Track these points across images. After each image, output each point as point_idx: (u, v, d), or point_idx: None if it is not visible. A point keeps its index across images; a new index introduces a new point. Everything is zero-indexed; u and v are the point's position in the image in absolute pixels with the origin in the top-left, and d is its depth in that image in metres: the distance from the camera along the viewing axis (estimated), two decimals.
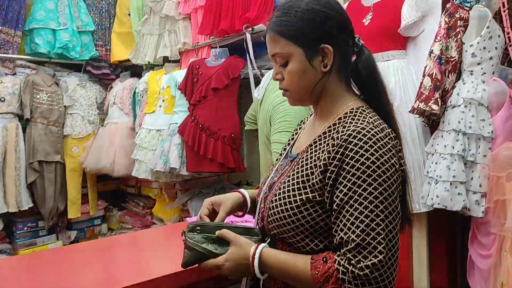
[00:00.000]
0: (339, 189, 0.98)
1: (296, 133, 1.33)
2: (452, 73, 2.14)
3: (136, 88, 3.54)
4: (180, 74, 3.06)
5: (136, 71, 3.83)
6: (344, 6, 2.60)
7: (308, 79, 1.08)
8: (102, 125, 3.80)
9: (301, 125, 1.35)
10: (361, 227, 0.93)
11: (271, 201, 1.09)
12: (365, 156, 0.97)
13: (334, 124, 1.07)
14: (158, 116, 3.17)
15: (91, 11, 3.82)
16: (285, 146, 1.33)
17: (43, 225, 3.60)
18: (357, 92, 1.16)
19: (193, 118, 2.84)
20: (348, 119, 1.05)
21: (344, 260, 0.95)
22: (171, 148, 2.90)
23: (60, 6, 3.63)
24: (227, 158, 2.74)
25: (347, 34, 1.10)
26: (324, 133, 1.08)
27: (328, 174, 1.00)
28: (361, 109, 1.08)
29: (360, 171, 0.96)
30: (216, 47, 2.95)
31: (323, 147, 1.05)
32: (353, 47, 1.11)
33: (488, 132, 2.03)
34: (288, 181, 1.08)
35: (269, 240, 1.13)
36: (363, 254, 0.93)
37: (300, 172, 1.07)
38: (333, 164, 0.99)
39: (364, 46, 1.12)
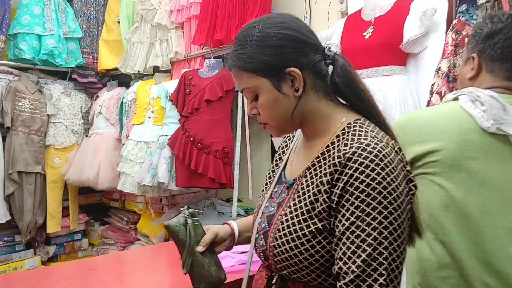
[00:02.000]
0: (342, 213, 0.89)
1: (281, 155, 1.22)
2: None
3: (123, 98, 3.41)
4: (171, 85, 2.95)
5: (124, 80, 3.71)
6: (342, 20, 2.53)
7: (282, 108, 0.99)
8: (87, 136, 3.65)
9: (287, 143, 1.23)
10: (362, 257, 0.85)
11: (275, 238, 0.99)
12: (371, 176, 0.87)
13: (333, 143, 0.98)
14: (146, 128, 3.04)
15: (78, 17, 3.69)
16: (272, 169, 1.22)
17: (20, 240, 3.41)
18: (344, 103, 1.07)
19: (184, 130, 2.73)
20: (349, 135, 0.95)
21: None
22: (160, 161, 2.77)
23: (47, 11, 3.49)
24: (218, 174, 2.63)
25: (312, 49, 1.00)
26: (323, 153, 0.99)
27: (332, 197, 0.91)
28: (359, 123, 0.98)
29: (364, 194, 0.87)
30: (209, 58, 2.85)
31: (324, 169, 0.95)
32: (325, 60, 1.01)
33: None
34: (291, 212, 0.98)
35: (277, 277, 1.03)
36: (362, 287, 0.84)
37: (302, 200, 0.97)
38: (336, 186, 0.90)
39: (337, 55, 1.03)
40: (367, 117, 1.02)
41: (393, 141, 0.97)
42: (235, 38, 1.04)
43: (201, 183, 2.68)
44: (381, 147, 0.90)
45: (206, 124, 2.69)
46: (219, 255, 1.66)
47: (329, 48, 1.03)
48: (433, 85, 2.07)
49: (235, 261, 1.62)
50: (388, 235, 0.85)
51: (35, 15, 3.42)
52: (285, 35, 0.97)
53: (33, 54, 3.36)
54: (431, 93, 2.07)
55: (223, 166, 2.65)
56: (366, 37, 2.35)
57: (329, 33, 2.57)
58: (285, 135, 1.25)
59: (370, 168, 0.87)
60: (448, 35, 2.11)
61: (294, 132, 1.22)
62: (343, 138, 0.96)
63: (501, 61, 1.32)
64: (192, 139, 2.68)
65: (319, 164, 0.98)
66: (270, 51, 0.97)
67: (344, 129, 0.98)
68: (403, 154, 0.96)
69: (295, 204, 0.98)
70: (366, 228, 0.86)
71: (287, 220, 0.97)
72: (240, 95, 2.64)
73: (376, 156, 0.88)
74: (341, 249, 0.88)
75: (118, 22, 3.59)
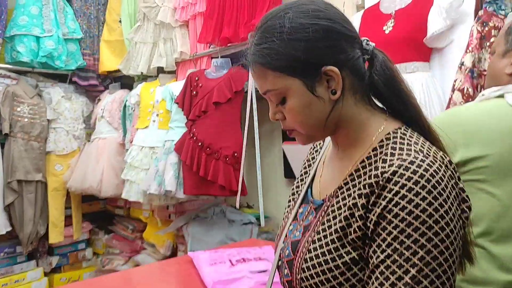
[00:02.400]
0: (377, 243, 0.75)
1: (307, 168, 1.06)
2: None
3: (126, 100, 3.25)
4: (176, 86, 2.78)
5: (127, 82, 3.55)
6: (359, 14, 2.37)
7: (316, 113, 0.84)
8: (89, 141, 3.49)
9: (313, 154, 1.07)
10: None
11: (302, 269, 0.84)
12: (414, 202, 0.72)
13: (369, 158, 0.83)
14: (151, 132, 2.88)
15: (78, 17, 3.53)
16: (297, 184, 1.06)
17: (22, 251, 3.26)
18: (381, 106, 0.91)
19: (191, 135, 2.56)
20: (388, 149, 0.80)
21: None
22: (166, 167, 2.61)
23: (45, 11, 3.33)
24: (229, 180, 2.47)
25: (351, 43, 0.84)
26: (357, 170, 0.84)
27: (367, 224, 0.77)
28: (400, 133, 0.83)
29: (404, 223, 0.72)
30: (217, 57, 2.68)
31: (359, 189, 0.80)
32: (363, 55, 0.86)
33: None
34: (319, 239, 0.83)
35: None
36: None
37: (333, 225, 0.82)
38: (372, 211, 0.76)
39: (376, 49, 0.87)
40: (409, 124, 0.86)
41: (442, 153, 0.81)
42: (256, 28, 0.87)
43: (211, 191, 2.52)
44: (427, 165, 0.75)
45: (214, 128, 2.53)
46: (235, 275, 1.51)
47: (367, 41, 0.87)
48: (455, 81, 1.91)
49: (254, 282, 1.47)
50: (430, 273, 0.70)
51: (33, 16, 3.26)
52: (322, 26, 0.81)
53: (31, 56, 3.20)
54: (453, 90, 1.91)
55: (234, 172, 2.48)
56: (386, 32, 2.18)
57: None
58: (313, 145, 1.09)
59: (414, 191, 0.72)
60: (473, 27, 1.95)
61: (322, 142, 1.06)
62: (381, 153, 0.81)
63: None
64: (200, 144, 2.52)
65: (353, 183, 0.83)
66: (304, 45, 0.80)
67: (382, 140, 0.84)
68: (454, 168, 0.80)
69: (324, 230, 0.84)
70: (404, 264, 0.71)
71: (315, 249, 0.83)
72: (249, 96, 2.47)
73: (421, 176, 0.73)
74: (373, 283, 0.75)
75: (120, 21, 3.43)
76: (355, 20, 2.36)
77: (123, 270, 1.95)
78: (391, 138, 0.82)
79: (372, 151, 0.83)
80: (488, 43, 1.88)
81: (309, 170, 1.04)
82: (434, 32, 2.04)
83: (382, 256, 0.74)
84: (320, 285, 0.80)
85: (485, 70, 1.86)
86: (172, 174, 2.58)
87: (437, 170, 0.75)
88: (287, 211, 1.04)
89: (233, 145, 2.51)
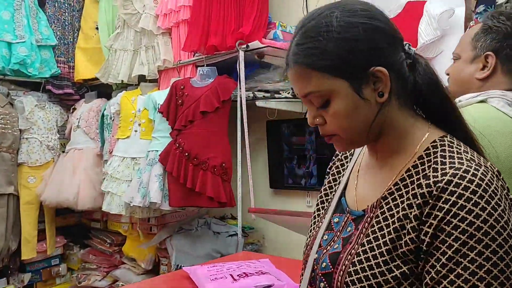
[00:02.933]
0: (436, 257, 0.71)
1: (336, 175, 1.02)
2: None
3: (104, 110, 3.14)
4: (159, 95, 2.71)
5: (104, 91, 3.43)
6: None
7: (361, 117, 0.80)
8: (63, 152, 3.35)
9: (342, 161, 1.03)
10: None
11: (346, 283, 0.79)
12: (474, 212, 0.69)
13: (415, 166, 0.79)
14: (133, 142, 2.78)
15: (52, 23, 3.39)
16: (325, 192, 1.02)
17: None
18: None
19: (177, 145, 2.49)
20: (437, 158, 0.77)
21: None
22: (151, 179, 2.52)
23: (17, 16, 3.19)
24: (217, 192, 2.41)
25: (397, 44, 0.81)
26: (403, 179, 0.80)
27: (421, 237, 0.73)
28: (447, 141, 0.80)
29: (466, 235, 0.69)
30: (202, 65, 2.63)
31: (407, 199, 0.77)
32: (406, 59, 0.82)
33: None
34: (365, 251, 0.78)
35: None
36: None
37: (380, 237, 0.78)
38: (427, 223, 0.72)
39: (417, 53, 0.84)
40: (453, 133, 0.83)
41: (489, 162, 0.78)
42: (296, 29, 0.83)
43: (199, 202, 2.45)
44: (482, 174, 0.72)
45: (201, 138, 2.47)
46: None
47: (409, 45, 0.84)
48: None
49: None
50: (498, 287, 0.67)
51: (4, 21, 3.12)
52: (371, 25, 0.78)
53: (2, 63, 3.05)
54: None
55: (222, 183, 2.42)
56: None
57: None
58: (339, 153, 1.04)
59: (473, 201, 0.69)
60: None
61: (348, 155, 1.02)
62: (429, 161, 0.78)
63: None
64: (186, 154, 2.45)
65: (399, 192, 0.79)
66: (354, 45, 0.77)
67: (428, 148, 0.80)
68: (503, 178, 0.77)
69: (369, 242, 0.79)
70: (470, 278, 0.68)
71: (361, 262, 0.78)
72: (239, 105, 2.42)
73: (478, 185, 0.70)
74: None
75: (97, 28, 3.33)
76: None
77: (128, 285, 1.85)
78: (438, 146, 0.79)
79: (418, 159, 0.80)
80: None
81: (339, 178, 1.00)
82: (424, 42, 2.07)
83: (444, 271, 0.70)
84: None
85: None
86: (157, 186, 2.49)
87: (491, 179, 0.72)
88: (317, 220, 0.99)
89: (221, 155, 2.45)
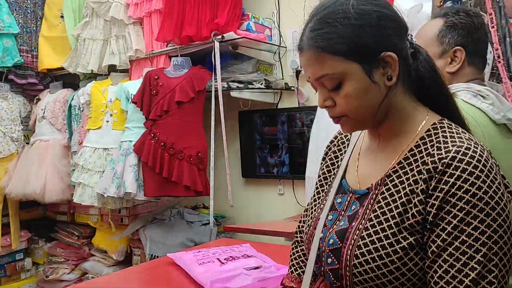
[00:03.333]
0: (441, 227, 0.78)
1: (334, 159, 1.08)
2: None
3: (72, 100, 3.08)
4: (132, 85, 2.69)
5: (70, 81, 3.36)
6: None
7: (371, 99, 0.86)
8: (28, 143, 3.26)
9: (339, 146, 1.08)
10: (471, 276, 0.75)
11: (355, 255, 0.85)
12: (477, 185, 0.77)
13: (417, 146, 0.87)
14: (105, 133, 2.76)
15: (14, 10, 3.27)
16: (324, 176, 1.08)
17: None
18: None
19: (152, 135, 2.50)
20: (438, 138, 0.84)
21: None
22: (125, 169, 2.52)
23: None
24: (194, 181, 2.44)
25: (404, 32, 0.88)
26: (406, 158, 0.87)
27: (428, 209, 0.80)
28: (446, 124, 0.88)
29: (470, 205, 0.76)
30: (176, 56, 2.64)
31: (413, 175, 0.84)
32: (410, 48, 0.89)
33: None
34: (373, 225, 0.85)
35: None
36: None
37: (387, 212, 0.84)
38: (433, 196, 0.79)
39: (417, 44, 0.91)
40: (449, 117, 0.91)
41: (481, 143, 0.87)
42: (311, 16, 0.88)
43: (175, 192, 2.47)
44: (480, 151, 0.80)
45: (177, 128, 2.48)
46: (231, 273, 1.50)
47: (412, 35, 0.90)
48: None
49: (252, 278, 1.47)
50: (498, 251, 0.76)
51: None
52: (384, 14, 0.84)
53: None
54: None
55: (198, 172, 2.46)
56: None
57: None
58: (334, 138, 1.11)
59: (475, 175, 0.77)
60: None
61: (349, 135, 1.08)
62: (431, 141, 0.85)
63: (479, 55, 1.37)
64: (162, 144, 2.46)
65: (403, 170, 0.86)
66: (369, 31, 0.83)
67: (429, 130, 0.87)
68: (493, 157, 0.86)
69: (377, 217, 0.85)
70: (474, 243, 0.75)
71: (369, 235, 0.84)
72: (213, 95, 2.45)
73: (478, 161, 0.78)
74: (441, 267, 0.78)
75: (62, 16, 3.25)
76: None
77: (102, 276, 1.82)
78: (438, 128, 0.86)
79: (420, 140, 0.87)
80: None
81: (337, 162, 1.06)
82: None
83: (449, 239, 0.77)
84: (376, 270, 0.81)
85: None
86: (132, 176, 2.49)
87: (488, 157, 0.80)
88: (318, 202, 1.04)
89: (196, 145, 2.48)
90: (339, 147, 1.08)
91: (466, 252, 0.76)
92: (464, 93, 1.29)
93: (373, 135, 0.97)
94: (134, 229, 2.80)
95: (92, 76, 3.11)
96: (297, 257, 1.16)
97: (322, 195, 1.05)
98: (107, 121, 2.77)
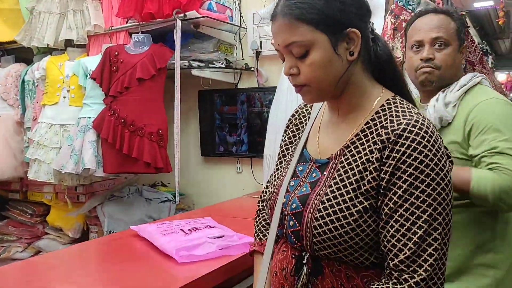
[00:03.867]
0: (393, 191, 0.87)
1: (296, 131, 1.15)
2: None
3: (25, 75, 3.00)
4: (90, 61, 2.66)
5: (22, 55, 3.26)
6: None
7: (333, 70, 0.92)
8: None
9: (301, 120, 1.16)
10: (418, 233, 0.84)
11: (316, 218, 0.92)
12: (424, 153, 0.86)
13: (373, 119, 0.95)
14: (62, 109, 2.71)
15: None
16: (286, 147, 1.15)
17: None
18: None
19: (112, 111, 2.49)
20: (391, 112, 0.93)
21: (392, 282, 0.86)
22: (84, 146, 2.50)
23: None
24: (154, 157, 2.46)
25: (368, 16, 0.96)
26: (363, 130, 0.95)
27: (381, 175, 0.88)
28: (398, 100, 0.96)
29: (418, 171, 0.85)
30: (137, 32, 2.63)
31: (368, 146, 0.92)
32: (370, 32, 0.97)
33: None
34: (333, 191, 0.93)
35: (307, 256, 0.97)
36: (413, 268, 0.84)
37: (345, 179, 0.92)
38: (387, 164, 0.88)
39: (376, 32, 1.00)
40: (400, 95, 1.00)
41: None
42: None
43: (135, 168, 2.49)
44: (427, 124, 0.89)
45: (138, 105, 2.49)
46: (196, 241, 1.56)
47: (373, 23, 0.99)
48: None
49: (215, 246, 1.54)
50: (442, 211, 0.86)
51: None
52: None
53: None
54: None
55: (159, 149, 2.48)
56: None
57: (269, 11, 2.51)
58: (295, 112, 1.19)
59: (422, 144, 0.86)
60: (387, 19, 2.22)
61: (309, 108, 1.16)
62: (385, 115, 0.93)
63: None
64: (122, 121, 2.46)
65: (360, 141, 0.95)
66: (339, 6, 0.90)
67: (383, 105, 0.96)
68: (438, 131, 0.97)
69: (336, 183, 0.93)
70: (421, 205, 0.85)
71: (329, 200, 0.92)
72: (178, 73, 2.47)
73: (426, 132, 0.87)
74: (392, 226, 0.87)
75: None
76: None
77: (66, 248, 1.81)
78: (392, 103, 0.95)
79: (375, 114, 0.95)
80: (400, 34, 2.16)
81: (298, 134, 1.13)
82: None
83: (400, 201, 0.86)
84: (334, 230, 0.89)
85: (397, 57, 2.14)
86: (91, 152, 2.48)
87: (433, 129, 0.89)
88: (279, 171, 1.11)
89: (157, 122, 2.50)
90: (300, 120, 1.15)
91: (414, 213, 0.85)
92: (486, 81, 1.46)
93: (332, 109, 1.04)
94: (92, 206, 2.79)
95: (47, 51, 3.02)
96: (258, 224, 1.24)
97: (284, 164, 1.11)
98: (64, 97, 2.72)
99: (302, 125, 1.15)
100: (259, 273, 1.09)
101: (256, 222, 1.26)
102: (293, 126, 1.17)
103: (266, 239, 1.12)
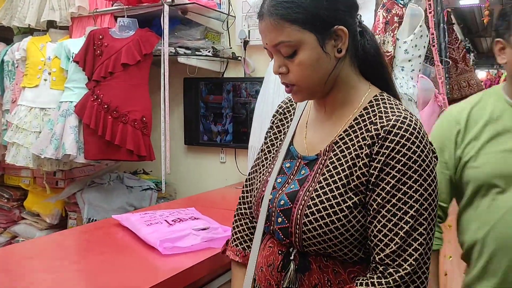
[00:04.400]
0: (381, 187, 0.88)
1: (281, 127, 1.13)
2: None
3: (4, 55, 2.90)
4: (73, 44, 2.58)
5: (1, 35, 3.15)
6: None
7: (322, 68, 0.92)
8: None
9: (286, 115, 1.13)
10: (405, 228, 0.85)
11: (305, 214, 0.91)
12: (412, 149, 0.87)
13: (361, 115, 0.95)
14: (42, 92, 2.64)
15: None
16: (271, 142, 1.12)
17: None
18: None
19: (95, 96, 2.43)
20: (380, 108, 0.93)
21: (376, 276, 0.87)
22: (65, 131, 2.44)
23: None
24: (138, 145, 2.42)
25: (355, 11, 0.96)
26: (351, 126, 0.95)
27: (371, 171, 0.89)
28: (386, 96, 0.97)
29: (406, 167, 0.86)
30: (122, 16, 2.56)
31: (357, 141, 0.92)
32: (358, 26, 0.97)
33: None
34: (322, 187, 0.92)
35: (295, 252, 0.96)
36: (398, 262, 0.85)
37: (335, 175, 0.92)
38: (375, 160, 0.88)
39: (364, 24, 0.99)
40: (387, 91, 1.00)
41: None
42: None
43: (117, 156, 2.44)
44: (415, 121, 0.90)
45: (122, 91, 2.43)
46: (180, 233, 1.54)
47: (360, 15, 0.98)
48: None
49: (200, 238, 1.52)
50: (428, 206, 0.87)
51: None
52: None
53: None
54: None
55: (142, 136, 2.44)
56: None
57: (258, 0, 2.49)
58: (279, 107, 1.16)
59: (411, 141, 0.87)
60: (379, 13, 2.21)
61: (294, 103, 1.13)
62: (373, 111, 0.94)
63: None
64: (106, 106, 2.40)
65: (349, 137, 0.94)
66: (325, 4, 0.89)
67: (371, 101, 0.96)
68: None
69: (326, 179, 0.93)
70: (408, 200, 0.86)
71: (319, 196, 0.91)
72: (166, 60, 2.42)
73: (414, 129, 0.88)
74: (379, 221, 0.87)
75: None
76: None
77: (45, 236, 1.75)
78: (379, 100, 0.96)
79: (364, 110, 0.95)
80: (391, 28, 2.15)
81: (283, 130, 1.11)
82: None
83: (388, 197, 0.87)
84: (324, 226, 0.89)
85: (387, 52, 2.14)
86: (73, 138, 2.42)
87: (420, 126, 0.91)
88: (266, 167, 1.09)
89: (141, 109, 2.45)
90: (285, 115, 1.14)
91: (401, 208, 0.86)
92: None
93: (319, 105, 1.03)
94: (71, 192, 2.74)
95: (28, 31, 2.94)
96: (241, 230, 1.18)
97: (270, 160, 1.10)
98: (45, 80, 2.64)
99: (287, 120, 1.13)
100: (244, 281, 1.06)
101: (237, 227, 1.18)
102: (278, 121, 1.15)
103: (248, 249, 1.12)
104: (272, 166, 1.06)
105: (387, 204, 0.87)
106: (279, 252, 0.99)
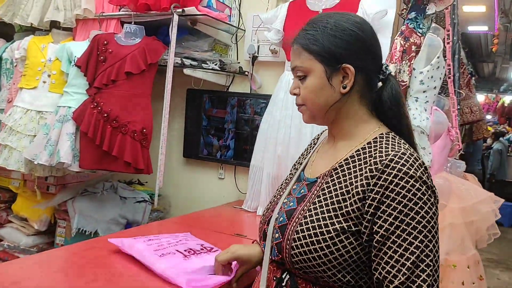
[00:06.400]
0: (381, 221, 0.92)
1: (305, 155, 1.28)
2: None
3: (3, 53, 2.80)
4: (76, 46, 2.49)
5: (1, 30, 3.05)
6: (286, 5, 2.41)
7: (324, 97, 1.06)
8: None
9: (312, 146, 1.29)
10: (407, 265, 0.89)
11: (296, 231, 1.00)
12: (410, 183, 0.92)
13: (363, 148, 1.03)
14: (40, 94, 2.54)
15: None
16: (295, 167, 1.27)
17: None
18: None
19: (95, 104, 2.33)
20: (382, 144, 1.00)
21: None
22: (61, 137, 2.34)
23: None
24: (135, 158, 2.32)
25: (374, 59, 1.07)
26: (352, 156, 1.04)
27: (368, 202, 0.94)
28: (392, 135, 1.04)
29: (406, 199, 0.91)
30: (129, 23, 2.47)
31: (354, 171, 1.00)
32: (379, 74, 1.08)
33: (428, 161, 2.05)
34: (315, 208, 1.01)
35: (287, 278, 1.05)
36: None
37: (328, 198, 1.01)
38: (374, 191, 0.94)
39: (391, 75, 1.09)
40: (399, 136, 1.07)
41: (418, 154, 1.01)
42: (310, 20, 1.09)
43: (114, 167, 2.34)
44: (415, 157, 0.95)
45: (123, 100, 2.34)
46: (202, 271, 1.43)
47: (387, 66, 1.08)
48: None
49: (223, 278, 1.40)
50: (432, 238, 0.91)
51: None
52: (356, 34, 1.03)
53: None
54: None
55: (141, 149, 2.34)
56: None
57: (270, 17, 2.42)
58: (312, 140, 1.31)
59: (409, 174, 0.92)
60: (397, 40, 2.14)
61: (320, 135, 1.28)
62: (375, 146, 1.01)
63: None
64: (105, 115, 2.31)
65: (348, 166, 1.03)
66: (337, 42, 1.02)
67: (376, 138, 1.04)
68: (425, 166, 0.99)
69: (320, 201, 1.01)
70: (412, 231, 0.90)
71: (310, 216, 1.00)
72: (170, 70, 2.33)
73: (412, 165, 0.93)
74: (385, 253, 0.91)
75: None
76: (281, 10, 2.40)
77: (30, 256, 1.61)
78: (384, 137, 1.03)
79: (367, 144, 1.03)
80: (408, 57, 2.08)
81: (304, 159, 1.25)
82: None
83: (387, 233, 0.91)
84: (310, 244, 0.96)
85: (403, 81, 2.07)
86: (69, 145, 2.32)
87: (421, 163, 0.96)
88: (281, 189, 1.21)
89: (142, 120, 2.36)
90: (311, 146, 1.30)
91: (406, 239, 0.90)
92: None
93: (330, 135, 1.16)
94: (62, 200, 2.63)
95: (29, 30, 2.84)
96: None
97: (284, 185, 1.23)
98: (44, 82, 2.54)
99: (307, 152, 1.29)
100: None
101: None
102: (305, 151, 1.31)
103: None
104: (285, 190, 1.17)
105: (387, 241, 0.91)
106: (274, 278, 1.08)
